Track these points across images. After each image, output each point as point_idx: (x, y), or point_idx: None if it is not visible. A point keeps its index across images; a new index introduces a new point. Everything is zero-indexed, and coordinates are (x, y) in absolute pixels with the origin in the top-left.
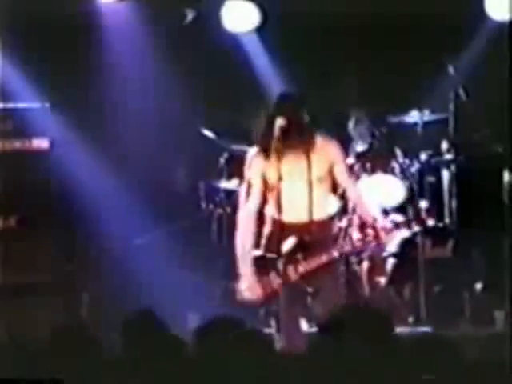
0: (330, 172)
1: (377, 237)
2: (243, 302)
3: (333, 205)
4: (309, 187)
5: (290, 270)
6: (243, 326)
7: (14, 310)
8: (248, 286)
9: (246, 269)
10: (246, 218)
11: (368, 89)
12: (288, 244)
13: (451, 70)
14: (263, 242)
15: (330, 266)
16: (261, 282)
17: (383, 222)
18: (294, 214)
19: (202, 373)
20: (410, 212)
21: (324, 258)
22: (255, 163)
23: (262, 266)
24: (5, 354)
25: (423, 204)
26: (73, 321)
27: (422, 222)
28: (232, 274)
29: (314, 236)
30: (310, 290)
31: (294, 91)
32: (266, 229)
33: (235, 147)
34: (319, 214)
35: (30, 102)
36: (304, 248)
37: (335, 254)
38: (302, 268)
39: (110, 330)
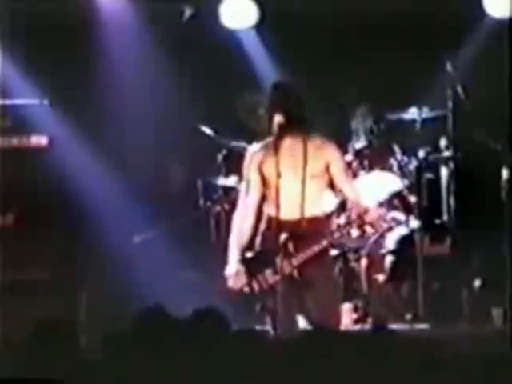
0: (326, 171)
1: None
2: (228, 291)
3: (330, 202)
4: (302, 184)
5: (284, 263)
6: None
7: (12, 308)
8: (233, 273)
9: (234, 256)
10: (244, 215)
11: (367, 86)
12: (280, 239)
13: (450, 67)
14: (258, 238)
15: (321, 255)
16: (256, 279)
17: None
18: (288, 210)
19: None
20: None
21: (315, 248)
22: (254, 160)
23: (257, 263)
24: (4, 353)
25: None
26: (72, 319)
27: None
28: None
29: (305, 231)
30: (304, 282)
31: (289, 82)
32: (262, 226)
33: (233, 144)
34: (313, 211)
35: (28, 99)
36: (295, 241)
37: (325, 242)
38: (295, 261)
39: (109, 329)
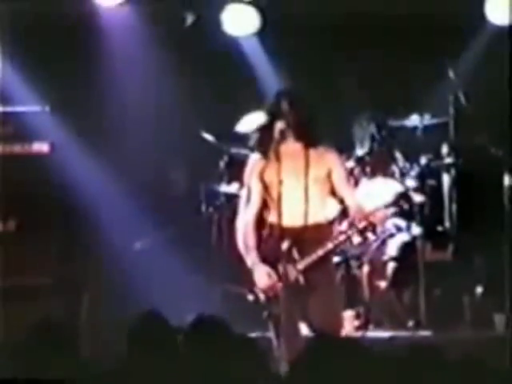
0: (328, 177)
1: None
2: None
3: (332, 209)
4: (305, 191)
5: (289, 268)
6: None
7: (13, 311)
8: (262, 273)
9: (253, 260)
10: (244, 225)
11: (368, 93)
12: (284, 246)
13: (451, 74)
14: (261, 246)
15: (325, 260)
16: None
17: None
18: (291, 217)
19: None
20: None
21: (320, 252)
22: (256, 169)
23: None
24: (5, 354)
25: (411, 183)
26: (72, 323)
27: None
28: (232, 277)
29: (310, 238)
30: (308, 288)
31: (292, 90)
32: (265, 233)
33: (235, 151)
34: (315, 217)
35: (30, 106)
36: (300, 248)
37: (330, 245)
38: (300, 266)
39: (109, 333)
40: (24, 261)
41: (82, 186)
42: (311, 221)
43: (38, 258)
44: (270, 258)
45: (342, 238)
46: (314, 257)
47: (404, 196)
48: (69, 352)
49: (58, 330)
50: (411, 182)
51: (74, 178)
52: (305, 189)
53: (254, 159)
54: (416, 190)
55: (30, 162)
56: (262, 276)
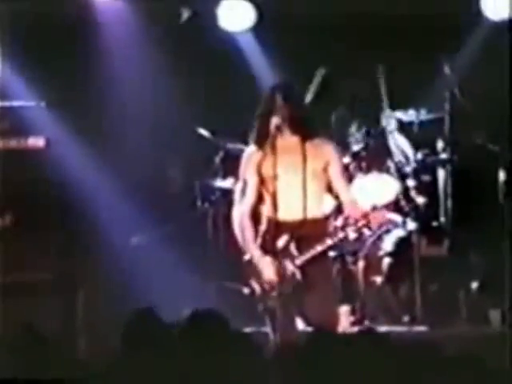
0: (325, 171)
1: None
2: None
3: (328, 204)
4: (303, 185)
5: (287, 263)
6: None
7: (12, 309)
8: (268, 264)
9: (254, 253)
10: (239, 218)
11: (365, 87)
12: (282, 241)
13: (447, 69)
14: (258, 240)
15: (323, 256)
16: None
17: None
18: (289, 211)
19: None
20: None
21: (319, 248)
22: (252, 162)
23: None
24: (4, 353)
25: (411, 183)
26: (72, 321)
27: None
28: (228, 271)
29: (308, 232)
30: (305, 284)
31: (287, 84)
32: (262, 227)
33: (231, 146)
34: (313, 212)
35: (25, 101)
36: (298, 242)
37: (329, 241)
38: (298, 261)
39: (107, 330)
40: (20, 256)
41: (78, 181)
42: (309, 215)
43: (33, 253)
44: (267, 252)
45: (341, 235)
46: (312, 252)
47: (405, 197)
48: (67, 349)
49: (56, 328)
50: (410, 182)
51: (70, 174)
52: (303, 183)
53: (250, 152)
54: (415, 188)
55: (26, 157)
56: (270, 267)
